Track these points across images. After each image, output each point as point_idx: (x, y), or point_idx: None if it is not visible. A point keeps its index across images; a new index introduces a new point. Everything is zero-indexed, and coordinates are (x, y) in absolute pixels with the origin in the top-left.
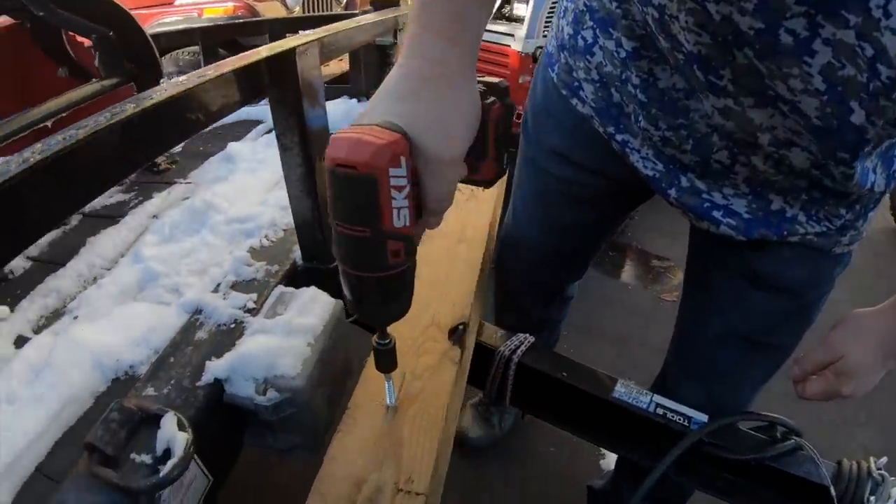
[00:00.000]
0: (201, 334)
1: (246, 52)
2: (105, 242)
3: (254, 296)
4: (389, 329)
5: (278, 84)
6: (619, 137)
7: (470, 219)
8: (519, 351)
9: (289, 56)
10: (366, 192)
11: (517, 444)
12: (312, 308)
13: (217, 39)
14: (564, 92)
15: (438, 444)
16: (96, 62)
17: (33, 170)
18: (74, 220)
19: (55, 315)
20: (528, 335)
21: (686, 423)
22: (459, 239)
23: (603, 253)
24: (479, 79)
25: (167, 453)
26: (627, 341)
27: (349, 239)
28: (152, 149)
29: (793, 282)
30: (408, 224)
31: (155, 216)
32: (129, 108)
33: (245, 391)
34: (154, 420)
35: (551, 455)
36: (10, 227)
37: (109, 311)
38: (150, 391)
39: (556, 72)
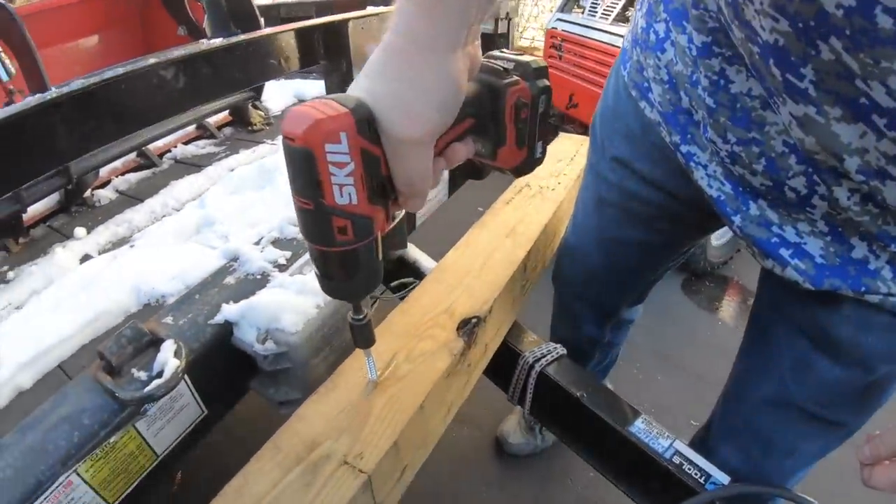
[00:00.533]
0: (230, 279)
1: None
2: (183, 187)
3: (287, 253)
4: (407, 306)
5: (330, 54)
6: (684, 149)
7: (526, 215)
8: (544, 360)
9: (341, 28)
10: (305, 165)
11: (557, 461)
12: None
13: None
14: (633, 93)
15: (404, 427)
16: (205, 23)
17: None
18: (167, 163)
19: (120, 242)
20: (558, 346)
21: (702, 480)
22: (508, 233)
23: (700, 281)
24: (505, 55)
25: (161, 375)
26: (705, 380)
27: (299, 209)
28: (214, 89)
29: (866, 352)
30: (354, 202)
31: (232, 169)
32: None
33: (248, 337)
34: (158, 343)
35: (585, 480)
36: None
37: (162, 246)
38: (168, 320)
39: (628, 70)
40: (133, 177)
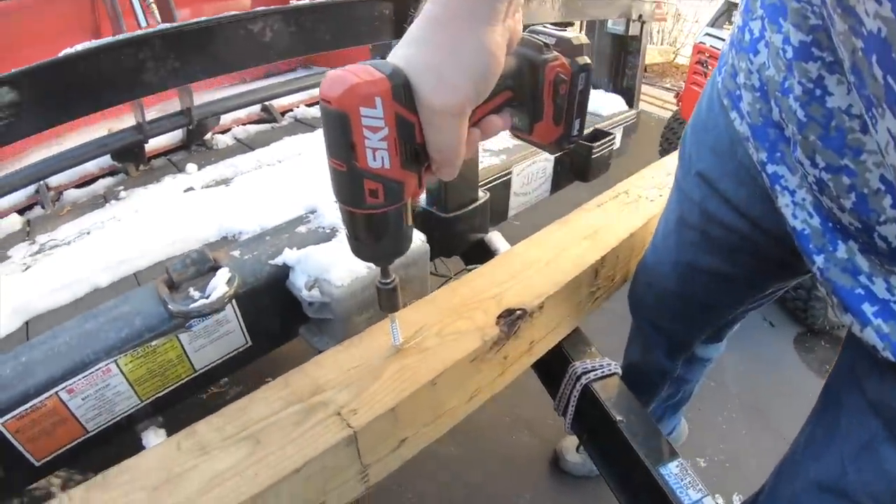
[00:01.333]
0: (301, 228)
1: None
2: (292, 143)
3: None
4: (458, 284)
5: None
6: (770, 169)
7: (614, 220)
8: (593, 374)
9: None
10: (340, 128)
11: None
12: None
13: None
14: (725, 101)
15: (407, 397)
16: None
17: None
18: (287, 121)
19: (221, 182)
20: (613, 364)
21: None
22: (588, 235)
23: (816, 339)
24: (547, 30)
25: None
26: None
27: (332, 171)
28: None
29: None
30: (387, 166)
31: None
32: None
33: (299, 282)
34: (216, 270)
35: None
36: None
37: (253, 191)
38: (235, 252)
39: (722, 76)
40: (253, 128)
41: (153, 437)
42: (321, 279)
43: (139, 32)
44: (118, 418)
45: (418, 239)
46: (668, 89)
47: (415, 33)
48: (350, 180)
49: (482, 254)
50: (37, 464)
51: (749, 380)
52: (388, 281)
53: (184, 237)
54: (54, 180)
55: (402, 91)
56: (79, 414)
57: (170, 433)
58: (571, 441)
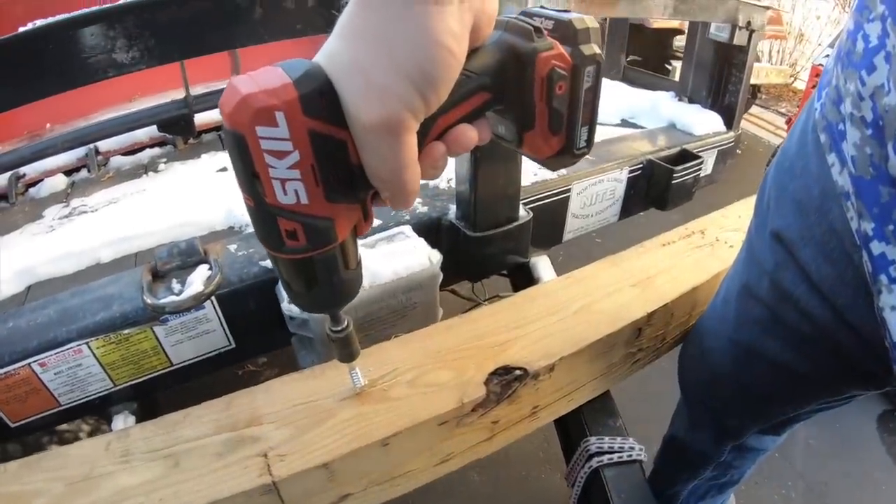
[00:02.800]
0: None
1: None
2: None
3: (380, 221)
4: (457, 322)
5: None
6: (876, 248)
7: (676, 266)
8: (607, 457)
9: None
10: (238, 153)
11: None
12: (402, 257)
13: None
14: (822, 137)
15: (348, 454)
16: None
17: None
18: None
19: None
20: (637, 447)
21: None
22: (639, 282)
23: None
24: (544, 12)
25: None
26: None
27: (246, 205)
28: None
29: None
30: (303, 201)
31: None
32: None
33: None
34: (199, 264)
35: None
36: None
37: None
38: (231, 247)
39: (822, 101)
40: None
41: (121, 423)
42: None
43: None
44: (91, 397)
45: (427, 259)
46: (782, 114)
47: (344, 22)
48: (262, 219)
49: (522, 280)
50: (12, 425)
51: (818, 458)
52: (339, 329)
53: (192, 221)
54: (104, 145)
55: (317, 101)
56: (52, 387)
57: (179, 405)
58: None
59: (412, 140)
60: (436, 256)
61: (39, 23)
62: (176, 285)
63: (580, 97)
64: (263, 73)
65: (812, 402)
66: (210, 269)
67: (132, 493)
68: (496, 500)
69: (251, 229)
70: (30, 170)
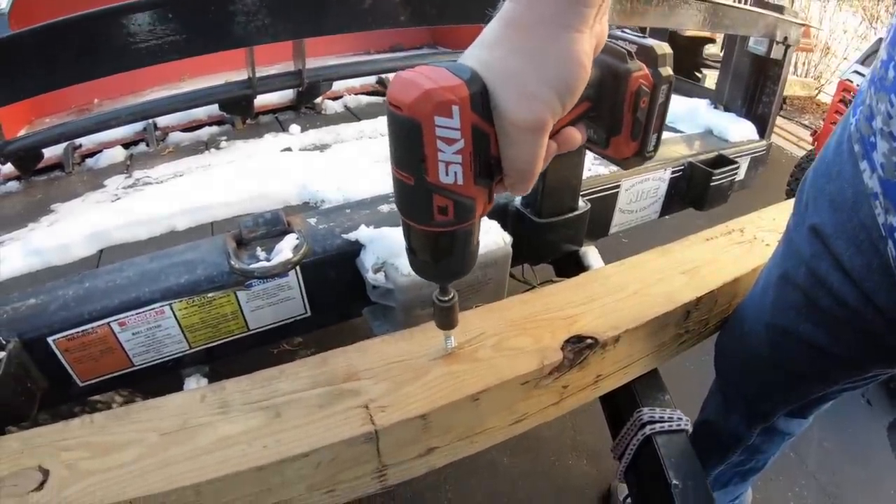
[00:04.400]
0: (384, 207)
1: None
2: None
3: None
4: (532, 296)
5: None
6: None
7: (719, 259)
8: (658, 425)
9: None
10: (410, 138)
11: None
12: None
13: None
14: (857, 148)
15: (443, 406)
16: None
17: None
18: None
19: (319, 147)
20: (685, 418)
21: None
22: (687, 270)
23: None
24: (626, 36)
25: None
26: None
27: (397, 183)
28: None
29: None
30: (460, 182)
31: None
32: None
33: (368, 262)
34: (286, 234)
35: None
36: None
37: (346, 160)
38: (311, 220)
39: (857, 117)
40: (364, 98)
41: (194, 385)
42: (389, 263)
43: None
44: (165, 359)
45: (501, 239)
46: (805, 126)
47: (492, 36)
48: (418, 195)
49: (573, 268)
50: (80, 384)
51: (831, 459)
52: (447, 298)
53: (266, 195)
54: (163, 121)
55: (479, 100)
56: (127, 347)
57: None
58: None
59: (546, 138)
60: (508, 238)
61: None
62: (261, 253)
63: (656, 110)
64: (434, 72)
65: (840, 381)
66: (297, 238)
67: (233, 442)
68: (526, 481)
69: (328, 205)
70: (85, 141)
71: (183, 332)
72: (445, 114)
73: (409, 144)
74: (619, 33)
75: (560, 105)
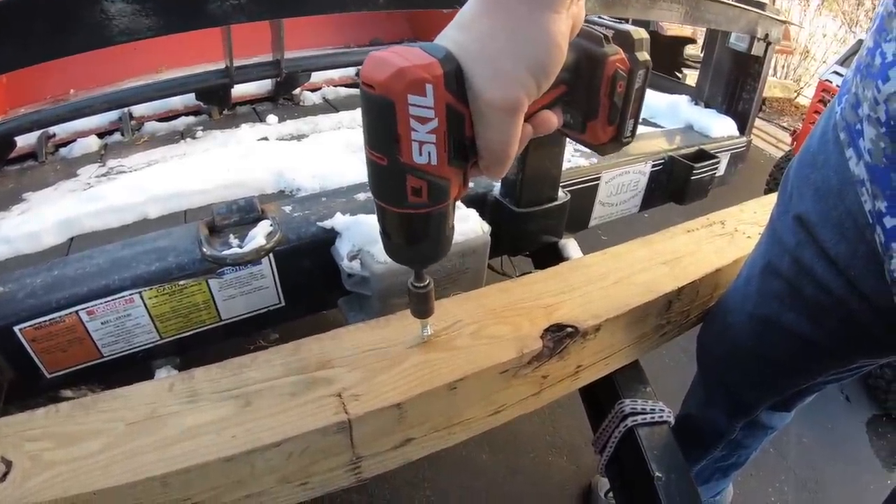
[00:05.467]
0: (361, 195)
1: None
2: None
3: None
4: (511, 285)
5: None
6: (889, 222)
7: (702, 250)
8: (640, 417)
9: None
10: (383, 116)
11: None
12: (458, 224)
13: None
14: (842, 136)
15: (420, 395)
16: None
17: None
18: None
19: (296, 136)
20: (667, 410)
21: None
22: (668, 261)
23: (893, 425)
24: (604, 21)
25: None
26: None
27: (371, 164)
28: None
29: None
30: (433, 162)
31: None
32: None
33: (342, 250)
34: (259, 221)
35: None
36: None
37: (323, 150)
38: (286, 208)
39: (842, 106)
40: (343, 90)
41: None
42: (365, 251)
43: None
44: (135, 350)
45: (480, 228)
46: (784, 128)
47: (468, 16)
48: (391, 176)
49: (553, 260)
50: (48, 375)
51: (810, 455)
52: (422, 285)
53: (241, 183)
54: (138, 110)
55: (453, 79)
56: (96, 337)
57: None
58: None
59: (521, 119)
60: (486, 226)
61: None
62: (233, 240)
63: (632, 95)
64: (407, 51)
65: (824, 373)
66: (271, 225)
67: (202, 431)
68: (505, 478)
69: (303, 193)
70: (59, 130)
71: (153, 321)
72: (419, 92)
73: (383, 124)
74: (596, 19)
75: (535, 85)
